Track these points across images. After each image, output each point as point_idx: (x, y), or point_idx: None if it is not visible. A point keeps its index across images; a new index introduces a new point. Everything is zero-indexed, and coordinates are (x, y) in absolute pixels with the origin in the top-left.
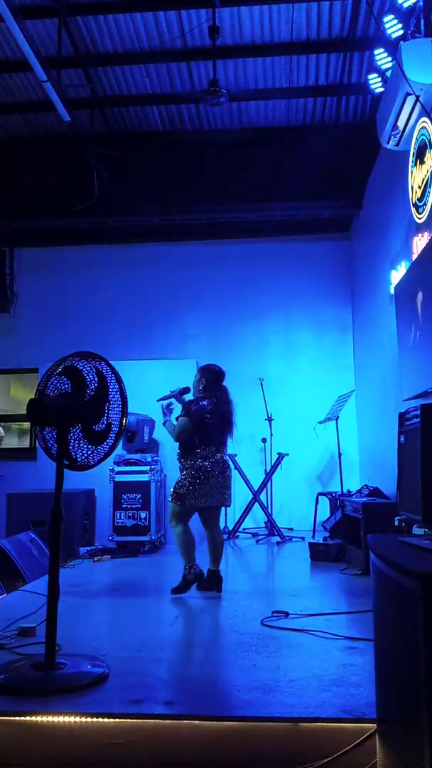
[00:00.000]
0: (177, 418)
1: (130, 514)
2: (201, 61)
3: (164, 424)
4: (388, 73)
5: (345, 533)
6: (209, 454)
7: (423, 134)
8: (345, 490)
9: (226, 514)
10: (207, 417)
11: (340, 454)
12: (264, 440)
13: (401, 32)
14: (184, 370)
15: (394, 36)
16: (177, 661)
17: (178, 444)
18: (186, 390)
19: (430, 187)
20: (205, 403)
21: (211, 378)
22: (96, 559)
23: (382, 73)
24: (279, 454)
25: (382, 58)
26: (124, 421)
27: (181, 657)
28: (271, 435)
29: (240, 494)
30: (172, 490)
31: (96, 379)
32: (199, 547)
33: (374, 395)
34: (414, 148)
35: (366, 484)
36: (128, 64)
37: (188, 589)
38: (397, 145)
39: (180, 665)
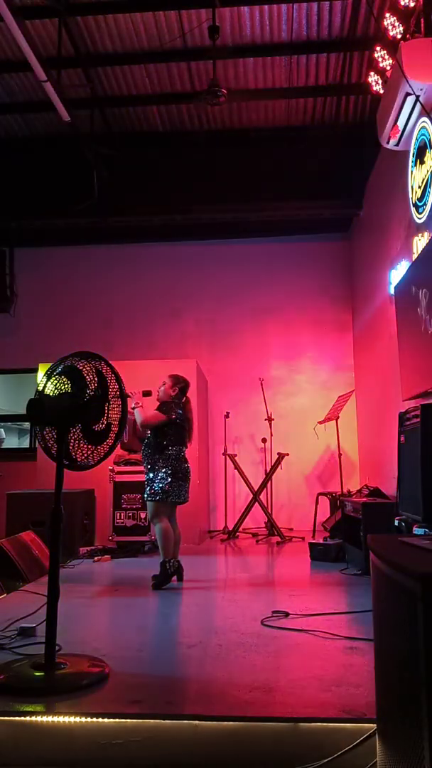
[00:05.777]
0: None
1: (130, 514)
2: (201, 61)
3: (139, 406)
4: (388, 74)
5: (345, 533)
6: (183, 455)
7: (423, 134)
8: (345, 490)
9: (225, 514)
10: (179, 420)
11: (340, 454)
12: (264, 440)
13: (401, 32)
14: (184, 370)
15: (394, 36)
16: (177, 661)
17: (143, 441)
18: (148, 393)
19: (430, 187)
20: (178, 409)
21: (183, 388)
22: (96, 559)
23: (382, 73)
24: (279, 454)
25: (382, 58)
26: (124, 421)
27: (181, 657)
28: (271, 435)
29: (240, 494)
30: (150, 489)
31: (96, 379)
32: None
33: (374, 395)
34: (414, 148)
35: (366, 484)
36: (128, 64)
37: (170, 581)
38: (397, 145)
39: (180, 665)
